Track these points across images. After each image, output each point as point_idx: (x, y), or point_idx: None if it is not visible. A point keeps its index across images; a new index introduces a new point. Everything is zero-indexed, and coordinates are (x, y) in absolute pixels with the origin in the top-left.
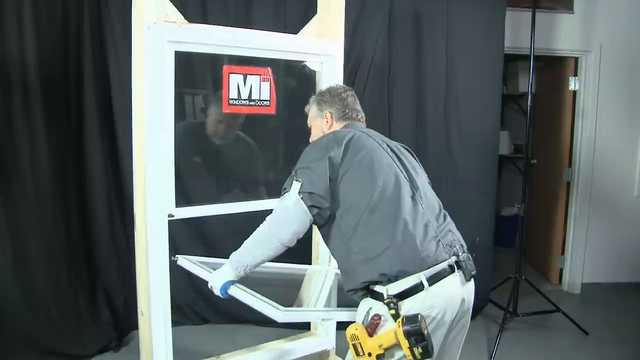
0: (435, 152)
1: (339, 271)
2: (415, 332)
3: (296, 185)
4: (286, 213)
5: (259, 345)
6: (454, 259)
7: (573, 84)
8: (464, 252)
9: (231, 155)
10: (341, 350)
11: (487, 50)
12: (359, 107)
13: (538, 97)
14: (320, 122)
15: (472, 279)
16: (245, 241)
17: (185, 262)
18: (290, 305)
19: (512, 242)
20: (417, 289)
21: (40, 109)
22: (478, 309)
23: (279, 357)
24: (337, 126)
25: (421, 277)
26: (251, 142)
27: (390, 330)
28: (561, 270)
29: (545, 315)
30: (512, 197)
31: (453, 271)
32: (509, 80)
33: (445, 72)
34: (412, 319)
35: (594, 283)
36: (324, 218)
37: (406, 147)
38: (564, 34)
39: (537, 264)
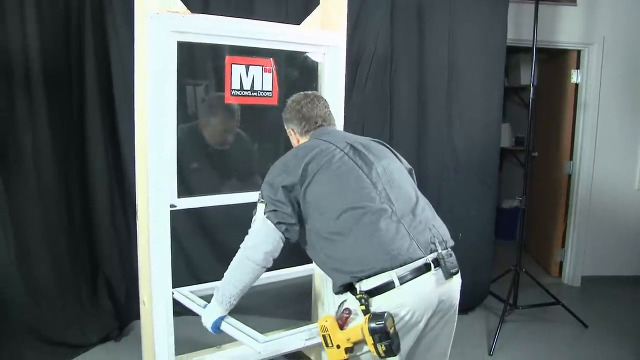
0: (437, 145)
1: None
2: (380, 330)
3: (260, 207)
4: (256, 234)
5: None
6: (432, 256)
7: (575, 77)
8: (445, 248)
9: (231, 150)
10: None
11: (489, 42)
12: (318, 112)
13: (540, 90)
14: (291, 139)
15: (457, 276)
16: (225, 272)
17: (180, 296)
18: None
19: (513, 235)
20: (388, 286)
21: (42, 100)
22: (478, 301)
23: (281, 347)
24: (303, 140)
25: (392, 275)
26: (244, 135)
27: (358, 326)
28: (561, 263)
29: (545, 307)
30: (513, 189)
31: (429, 269)
32: (510, 73)
33: (447, 64)
34: (378, 317)
35: (593, 276)
36: (295, 232)
37: (377, 140)
38: (566, 27)
39: (537, 256)
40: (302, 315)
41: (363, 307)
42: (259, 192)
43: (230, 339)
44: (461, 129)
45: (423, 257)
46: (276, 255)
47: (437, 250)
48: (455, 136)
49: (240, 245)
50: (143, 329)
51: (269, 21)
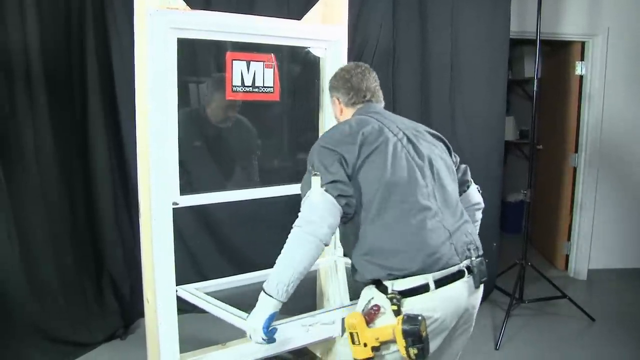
0: None
1: (345, 260)
2: (413, 333)
3: (316, 180)
4: (315, 208)
5: None
6: (465, 262)
7: (579, 69)
8: (478, 256)
9: (234, 140)
10: None
11: (492, 34)
12: (368, 85)
13: (544, 82)
14: (334, 108)
15: (482, 285)
16: (278, 258)
17: (188, 295)
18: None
19: (518, 228)
20: (422, 289)
21: (44, 98)
22: (484, 295)
23: (285, 344)
24: (349, 112)
25: (429, 278)
26: (252, 128)
27: (389, 326)
28: (567, 256)
29: (551, 301)
30: (517, 183)
31: (462, 276)
32: (514, 65)
33: (450, 58)
34: (413, 320)
35: (600, 269)
36: (353, 207)
37: (429, 130)
38: (570, 18)
39: (543, 250)
40: (307, 311)
41: (395, 307)
42: (309, 161)
43: (235, 336)
44: (465, 123)
45: (459, 264)
46: (334, 232)
47: (471, 257)
48: (459, 130)
49: (295, 224)
50: (148, 327)
51: (270, 16)
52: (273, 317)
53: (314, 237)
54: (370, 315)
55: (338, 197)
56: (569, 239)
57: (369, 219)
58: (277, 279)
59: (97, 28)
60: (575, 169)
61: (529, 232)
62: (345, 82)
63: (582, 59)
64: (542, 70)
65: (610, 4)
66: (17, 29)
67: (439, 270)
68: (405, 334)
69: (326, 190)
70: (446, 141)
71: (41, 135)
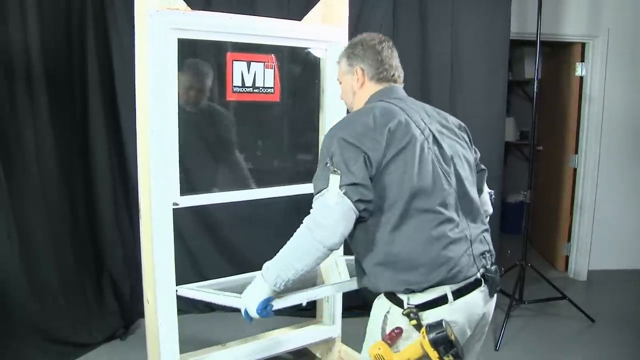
0: None
1: (346, 257)
2: (443, 340)
3: (335, 179)
4: (330, 213)
5: (266, 334)
6: (482, 271)
7: (580, 70)
8: (493, 264)
9: (208, 127)
10: (347, 337)
11: (492, 35)
12: (396, 62)
13: (544, 83)
14: (351, 79)
15: (496, 294)
16: (282, 250)
17: (188, 291)
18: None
19: (518, 229)
20: (441, 301)
21: (44, 99)
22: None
23: (285, 345)
24: (371, 87)
25: (447, 290)
26: (222, 110)
27: (416, 342)
28: (567, 257)
29: (551, 302)
30: (518, 183)
31: (479, 285)
32: (514, 66)
33: (451, 58)
34: (437, 326)
35: (600, 270)
36: (370, 212)
37: (450, 126)
38: (570, 19)
39: (543, 251)
40: (308, 313)
41: (414, 322)
42: (326, 153)
43: (235, 337)
44: (465, 123)
45: (476, 273)
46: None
47: (487, 266)
48: None
49: (306, 224)
50: (148, 328)
51: (271, 17)
52: (268, 301)
53: (323, 247)
54: (393, 339)
55: (357, 201)
56: (569, 240)
57: (388, 226)
58: (277, 273)
59: (97, 28)
60: (575, 170)
61: (529, 233)
62: (375, 54)
63: (582, 60)
64: (543, 71)
65: (610, 5)
66: (17, 28)
67: (458, 282)
68: (435, 343)
69: (345, 193)
70: (469, 132)
71: (41, 135)
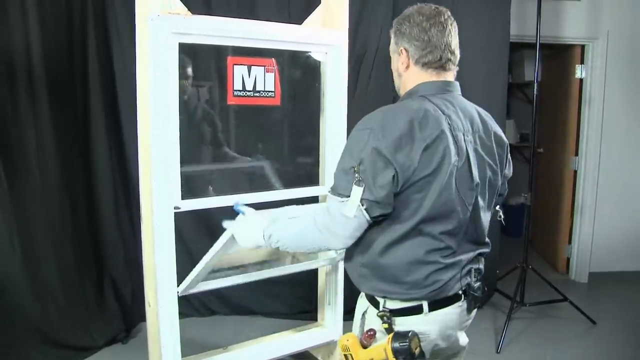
0: None
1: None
2: (404, 352)
3: (357, 191)
4: (346, 224)
5: (267, 337)
6: (464, 288)
7: (579, 72)
8: (478, 280)
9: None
10: None
11: (492, 38)
12: (449, 41)
13: (544, 86)
14: (397, 60)
15: (474, 311)
16: (289, 224)
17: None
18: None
19: (519, 232)
20: (415, 310)
21: (45, 101)
22: (485, 298)
23: (286, 348)
24: (416, 72)
25: (423, 301)
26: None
27: (381, 345)
28: (568, 259)
29: (552, 304)
30: (518, 186)
31: (458, 299)
32: (514, 69)
33: None
34: (402, 336)
35: (601, 272)
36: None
37: (500, 135)
38: (570, 22)
39: (544, 253)
40: (309, 316)
41: (386, 326)
42: (355, 151)
43: (237, 340)
44: None
45: (458, 290)
46: None
47: (470, 283)
48: None
49: (318, 222)
50: (149, 331)
51: (271, 21)
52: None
53: (325, 248)
54: (368, 340)
55: (376, 216)
56: (569, 242)
57: (387, 239)
58: (278, 237)
59: (98, 28)
60: (575, 172)
61: (530, 235)
62: (421, 32)
63: (582, 63)
64: (542, 73)
65: (610, 8)
66: (18, 29)
67: (436, 297)
68: (396, 352)
69: (366, 209)
70: (508, 151)
71: (43, 135)
